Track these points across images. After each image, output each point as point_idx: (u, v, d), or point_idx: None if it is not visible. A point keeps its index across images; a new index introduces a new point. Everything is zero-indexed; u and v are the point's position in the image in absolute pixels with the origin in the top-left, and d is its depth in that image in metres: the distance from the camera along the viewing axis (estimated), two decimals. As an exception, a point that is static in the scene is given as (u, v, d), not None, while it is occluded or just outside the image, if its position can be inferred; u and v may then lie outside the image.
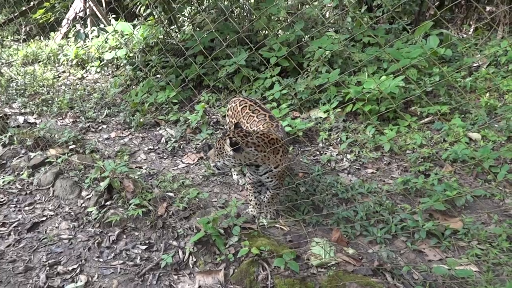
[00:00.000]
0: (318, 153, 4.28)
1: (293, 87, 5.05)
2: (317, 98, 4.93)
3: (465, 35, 7.74)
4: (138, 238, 3.30)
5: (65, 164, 4.11)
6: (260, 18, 6.03)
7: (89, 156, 4.29)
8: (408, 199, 3.58)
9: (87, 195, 3.75)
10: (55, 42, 8.21)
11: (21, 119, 5.31)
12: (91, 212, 3.54)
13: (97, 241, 3.26)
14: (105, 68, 7.14)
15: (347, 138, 4.31)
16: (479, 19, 8.24)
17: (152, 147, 4.63)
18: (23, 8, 9.08)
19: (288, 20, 6.23)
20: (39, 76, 6.87)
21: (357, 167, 4.06)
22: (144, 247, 3.19)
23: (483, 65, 5.90)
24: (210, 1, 6.97)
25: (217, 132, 4.65)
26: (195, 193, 3.53)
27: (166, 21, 7.05)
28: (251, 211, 3.38)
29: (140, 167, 4.19)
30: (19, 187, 3.95)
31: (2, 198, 3.82)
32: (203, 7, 7.21)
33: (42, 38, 8.97)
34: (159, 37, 6.61)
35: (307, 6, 7.05)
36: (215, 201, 3.62)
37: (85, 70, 7.38)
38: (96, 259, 3.10)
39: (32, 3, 8.54)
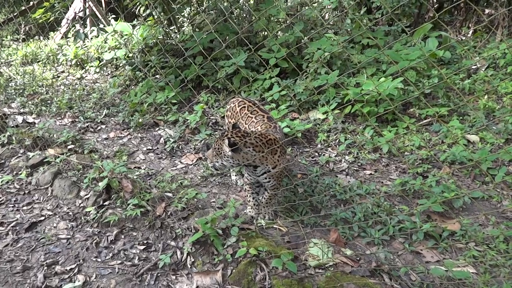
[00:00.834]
0: (316, 154, 4.28)
1: (292, 88, 5.06)
2: (316, 99, 4.94)
3: (464, 38, 7.77)
4: (136, 238, 3.30)
5: (64, 164, 4.11)
6: (260, 19, 6.04)
7: (88, 156, 4.29)
8: (406, 200, 3.59)
9: (86, 195, 3.75)
10: (54, 42, 8.21)
11: (19, 118, 5.30)
12: (89, 212, 3.53)
13: (95, 241, 3.26)
14: (105, 68, 7.15)
15: (345, 140, 4.31)
16: (478, 21, 8.27)
17: (150, 148, 4.63)
18: (23, 8, 9.08)
19: (288, 22, 6.25)
20: (38, 75, 6.87)
21: (355, 169, 4.07)
22: (142, 247, 3.19)
23: (482, 68, 5.93)
24: (210, 2, 6.99)
25: (216, 132, 4.66)
26: (193, 194, 3.53)
27: (165, 21, 7.06)
28: (249, 211, 3.38)
29: (139, 167, 4.19)
30: (18, 186, 3.95)
31: (0, 197, 3.81)
32: (203, 8, 7.22)
33: (41, 38, 8.97)
34: (159, 37, 6.62)
35: (306, 8, 7.07)
36: (214, 202, 3.62)
37: (84, 70, 7.38)
38: (94, 259, 3.10)
39: (31, 2, 8.55)
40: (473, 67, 5.97)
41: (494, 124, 4.65)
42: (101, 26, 8.08)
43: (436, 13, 8.20)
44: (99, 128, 5.21)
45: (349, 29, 6.50)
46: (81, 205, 3.66)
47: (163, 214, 3.41)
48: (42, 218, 3.55)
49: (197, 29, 6.81)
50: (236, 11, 6.84)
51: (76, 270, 2.97)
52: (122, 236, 3.32)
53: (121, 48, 6.86)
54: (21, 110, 5.66)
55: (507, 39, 6.86)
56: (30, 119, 5.36)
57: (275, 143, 3.00)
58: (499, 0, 7.28)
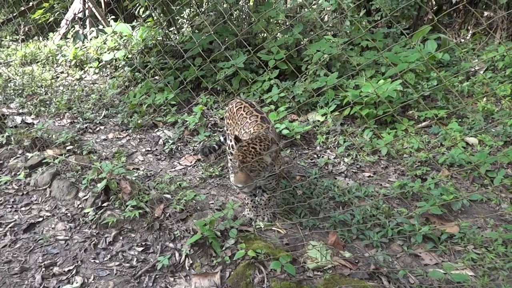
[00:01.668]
0: (315, 156, 4.28)
1: (291, 90, 5.06)
2: (315, 101, 4.95)
3: (462, 40, 7.78)
4: (134, 239, 3.29)
5: (62, 165, 4.10)
6: (259, 21, 6.04)
7: (87, 157, 4.29)
8: (405, 203, 3.59)
9: (84, 196, 3.75)
10: (53, 43, 8.20)
11: (18, 119, 5.30)
12: (87, 213, 3.53)
13: (93, 242, 3.25)
14: (104, 69, 7.14)
15: (344, 142, 4.32)
16: (476, 24, 8.28)
17: (149, 149, 4.63)
18: (22, 8, 9.07)
19: (287, 23, 6.25)
20: (37, 76, 6.86)
21: (354, 171, 4.07)
22: (140, 248, 3.18)
23: (481, 70, 5.93)
24: (210, 4, 6.99)
25: (215, 134, 4.65)
26: (192, 195, 3.53)
27: (165, 22, 7.06)
28: (248, 213, 3.38)
29: (138, 169, 4.19)
30: (16, 187, 3.94)
31: (-2, 198, 3.81)
32: (202, 9, 7.22)
33: (40, 38, 8.97)
34: (158, 38, 6.62)
35: (305, 10, 7.08)
36: (212, 203, 3.62)
37: (83, 71, 7.37)
38: (92, 261, 3.09)
39: (31, 3, 8.54)
40: (472, 69, 5.98)
41: (493, 126, 4.65)
42: (101, 27, 8.08)
43: (435, 15, 8.22)
44: (98, 129, 5.21)
45: (348, 31, 6.51)
46: (80, 206, 3.66)
47: (162, 215, 3.41)
48: (40, 219, 3.55)
49: (196, 31, 6.81)
50: (235, 12, 6.85)
51: (74, 272, 2.97)
52: (121, 238, 3.32)
53: (121, 49, 6.86)
54: (20, 111, 5.65)
55: (506, 41, 6.87)
56: (29, 119, 5.35)
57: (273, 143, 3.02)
58: (498, 2, 7.29)
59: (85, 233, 3.38)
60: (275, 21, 6.50)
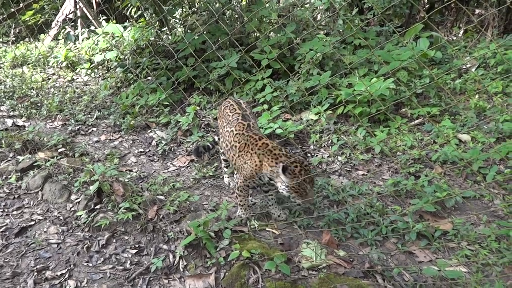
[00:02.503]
0: (309, 155, 4.28)
1: (284, 89, 5.05)
2: (308, 100, 4.94)
3: (455, 38, 7.82)
4: (128, 242, 3.27)
5: (54, 167, 4.06)
6: (251, 20, 6.03)
7: (79, 160, 4.25)
8: (399, 200, 3.59)
9: (76, 199, 3.71)
10: (43, 45, 8.13)
11: (9, 122, 5.24)
12: (80, 216, 3.49)
13: (86, 245, 3.22)
14: (96, 71, 7.09)
15: (338, 140, 4.31)
16: (468, 21, 8.33)
17: (142, 150, 4.60)
18: (12, 10, 8.98)
19: (279, 22, 6.24)
20: (28, 78, 6.79)
21: (348, 169, 4.07)
22: (134, 251, 3.16)
23: (472, 68, 5.96)
24: (202, 3, 6.96)
25: (208, 134, 4.63)
26: (185, 196, 3.51)
27: (157, 23, 7.02)
28: (242, 214, 3.36)
29: (130, 170, 4.16)
30: (7, 191, 3.89)
31: (-11, 202, 3.76)
32: (195, 9, 7.19)
33: (31, 40, 8.88)
34: (150, 39, 6.58)
35: (298, 9, 7.07)
36: (206, 204, 3.60)
37: (75, 72, 7.31)
38: (85, 264, 3.07)
39: (21, 4, 8.46)
40: (464, 67, 6.01)
41: (485, 123, 4.68)
42: (92, 28, 8.02)
43: (427, 13, 8.26)
44: (90, 131, 5.16)
45: (341, 30, 6.51)
46: (72, 209, 3.62)
47: (155, 217, 3.39)
48: (32, 222, 3.51)
49: (189, 31, 6.78)
50: (228, 12, 6.82)
51: (67, 275, 2.93)
52: (114, 240, 3.29)
53: (112, 50, 6.81)
54: (11, 113, 5.59)
55: (497, 39, 6.92)
56: (20, 122, 5.30)
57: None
58: (489, 0, 7.34)
59: (78, 236, 3.35)
60: (267, 20, 6.49)
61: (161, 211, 3.44)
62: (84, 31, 8.03)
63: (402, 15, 8.01)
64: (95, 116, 5.39)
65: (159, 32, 6.93)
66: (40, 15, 7.78)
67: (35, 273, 2.95)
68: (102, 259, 3.13)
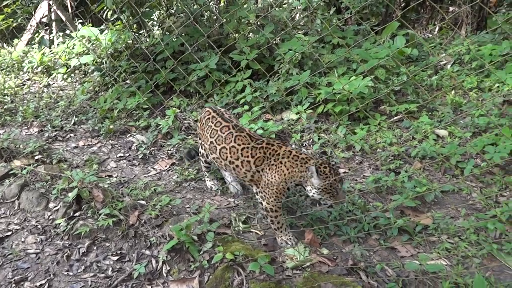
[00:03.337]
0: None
1: (264, 90, 5.05)
2: (289, 100, 4.95)
3: (430, 35, 7.98)
4: (109, 249, 3.21)
5: (31, 175, 3.95)
6: (230, 21, 6.01)
7: (56, 166, 4.15)
8: (380, 197, 3.63)
9: (55, 206, 3.62)
10: (15, 50, 7.91)
11: (-18, 130, 5.08)
12: (59, 224, 3.41)
13: (66, 254, 3.15)
14: (72, 75, 6.94)
15: (319, 139, 4.34)
16: (443, 19, 8.52)
17: (122, 155, 4.52)
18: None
19: (258, 23, 6.24)
20: (1, 84, 6.60)
21: (330, 167, 4.09)
22: (115, 258, 3.10)
23: (448, 64, 6.09)
24: (179, 5, 6.90)
25: (189, 137, 4.58)
26: (167, 200, 3.47)
27: (134, 25, 6.93)
28: (287, 239, 3.06)
29: (110, 176, 4.08)
30: (-19, 201, 3.77)
31: (-38, 213, 3.63)
32: (172, 11, 7.13)
33: (4, 45, 8.64)
34: (128, 42, 6.48)
35: (276, 9, 7.09)
36: (188, 207, 3.56)
37: (51, 77, 7.14)
38: (66, 273, 3.00)
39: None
40: (440, 63, 6.14)
41: (461, 118, 4.78)
42: (68, 31, 7.85)
43: (403, 11, 8.41)
44: (68, 136, 5.05)
45: (319, 29, 6.56)
46: (51, 217, 3.53)
47: (137, 222, 3.33)
48: (9, 233, 3.41)
49: (167, 33, 6.71)
50: (206, 13, 6.79)
51: (46, 286, 2.86)
52: (94, 248, 3.22)
53: (89, 54, 6.68)
54: (-16, 121, 5.42)
55: (471, 35, 7.09)
56: (-6, 130, 5.14)
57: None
58: (462, -2, 7.52)
59: (57, 245, 3.27)
60: (246, 21, 6.48)
61: (142, 216, 3.39)
62: (59, 35, 7.85)
63: (379, 13, 8.14)
64: (72, 122, 5.28)
65: (137, 34, 6.84)
66: (12, 19, 7.57)
67: (13, 285, 2.86)
68: (83, 267, 3.07)
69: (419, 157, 4.04)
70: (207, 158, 3.58)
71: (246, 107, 4.84)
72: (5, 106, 5.76)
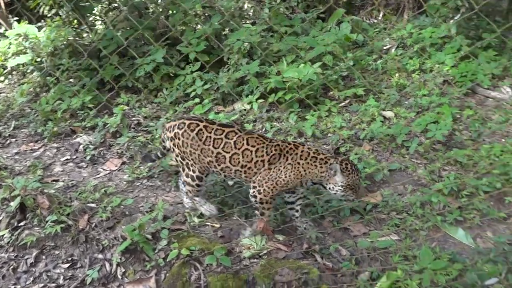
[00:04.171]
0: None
1: (215, 82, 5.00)
2: (240, 90, 4.93)
3: (375, 20, 8.22)
4: (59, 256, 3.07)
5: (-33, 186, 3.68)
6: (176, 13, 5.87)
7: (-4, 175, 3.89)
8: (332, 180, 3.71)
9: (-4, 217, 3.40)
10: None
11: None
12: (2, 236, 3.22)
13: (12, 266, 2.99)
14: (10, 76, 6.50)
15: (271, 128, 4.37)
16: (387, 4, 8.80)
17: (69, 158, 4.31)
18: None
19: (205, 14, 6.15)
20: None
21: (283, 155, 4.13)
22: (66, 265, 2.98)
23: (392, 48, 6.31)
24: (122, -2, 6.64)
25: (139, 134, 4.45)
26: (118, 201, 3.36)
27: (75, 20, 6.59)
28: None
29: (56, 180, 3.88)
30: None
31: None
32: (115, 4, 6.85)
33: None
34: (69, 38, 6.15)
35: (223, -1, 7.01)
36: (142, 206, 3.47)
37: (-14, 80, 6.65)
38: (13, 287, 2.83)
39: None
40: (385, 48, 6.35)
41: (406, 99, 4.99)
42: (2, 30, 7.34)
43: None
44: (8, 142, 4.74)
45: (267, 18, 6.56)
46: (-8, 229, 3.32)
47: (87, 226, 3.20)
48: None
49: (111, 27, 6.44)
50: (151, 6, 6.58)
51: (-10, 302, 2.69)
52: (43, 257, 3.08)
53: (27, 53, 6.28)
54: None
55: (413, 19, 7.37)
56: None
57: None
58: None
59: (2, 258, 3.09)
60: (193, 12, 6.36)
61: (93, 220, 3.26)
62: (-8, 34, 7.31)
63: (325, 1, 8.26)
64: (12, 126, 4.96)
65: (78, 30, 6.52)
66: None
67: (-48, 305, 2.67)
68: (31, 278, 2.93)
69: (368, 139, 4.17)
70: (203, 178, 3.14)
71: (197, 100, 4.76)
72: None
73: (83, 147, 4.38)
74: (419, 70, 5.57)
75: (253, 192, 2.97)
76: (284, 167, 2.87)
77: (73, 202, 3.44)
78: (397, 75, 5.54)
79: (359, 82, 5.09)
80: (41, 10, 6.65)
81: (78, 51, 5.84)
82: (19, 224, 3.29)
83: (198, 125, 3.02)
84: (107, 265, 2.93)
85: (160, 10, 6.49)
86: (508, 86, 5.24)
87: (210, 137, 2.98)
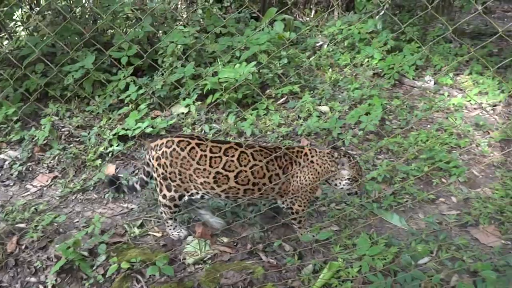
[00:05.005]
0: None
1: (150, 86, 4.86)
2: (177, 93, 4.84)
3: (308, 18, 8.46)
4: (-15, 285, 2.81)
5: None
6: (105, 16, 5.62)
7: None
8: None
9: None
10: None
11: None
12: None
13: None
14: None
15: (210, 129, 4.33)
16: (318, 3, 9.09)
17: (-8, 176, 3.97)
18: None
19: (136, 17, 5.94)
20: None
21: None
22: (-6, 294, 2.73)
23: (324, 44, 6.54)
24: (45, 2, 6.23)
25: (71, 146, 4.20)
26: (50, 218, 3.15)
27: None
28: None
29: (-21, 202, 3.56)
30: None
31: None
32: (37, 8, 6.41)
33: None
34: (-14, 47, 5.67)
35: (154, 0, 6.83)
36: (77, 222, 3.28)
37: None
38: None
39: None
40: (317, 44, 6.55)
41: (339, 93, 5.19)
42: None
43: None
44: None
45: (201, 19, 6.50)
46: None
47: (16, 249, 2.98)
48: None
49: (34, 33, 6.02)
50: (78, 10, 6.23)
51: None
52: (-34, 288, 2.80)
53: None
54: None
55: (342, 16, 7.68)
56: None
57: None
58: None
59: None
60: (123, 15, 6.13)
61: (23, 241, 3.03)
62: None
63: (259, 0, 8.36)
64: None
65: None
66: None
67: None
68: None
69: (305, 134, 4.28)
70: (179, 200, 2.88)
71: (132, 106, 4.59)
72: None
73: (8, 163, 4.04)
74: (351, 65, 5.82)
75: (288, 205, 2.89)
76: (301, 172, 2.81)
77: (-2, 225, 3.17)
78: (330, 70, 5.75)
79: (295, 79, 5.20)
80: (-50, 17, 6.06)
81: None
82: None
83: (189, 142, 2.74)
84: (41, 288, 2.74)
85: (88, 14, 6.19)
86: (431, 76, 5.65)
87: (206, 155, 2.70)
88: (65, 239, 2.96)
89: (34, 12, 6.36)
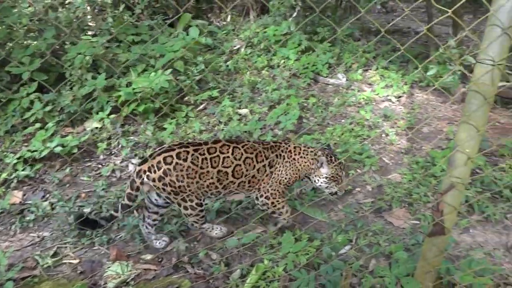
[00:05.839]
0: (100, 166, 3.97)
1: (58, 102, 4.52)
2: (89, 107, 4.56)
3: (224, 23, 8.50)
4: None
5: None
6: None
7: None
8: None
9: None
10: None
11: None
12: None
13: None
14: None
15: (128, 143, 4.14)
16: (234, 7, 9.18)
17: None
18: None
19: (37, 28, 5.50)
20: None
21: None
22: None
23: (241, 48, 6.61)
24: None
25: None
26: None
27: None
28: (288, 217, 3.12)
29: None
30: None
31: None
32: None
33: None
34: None
35: (59, 10, 6.39)
36: (-22, 260, 2.93)
37: None
38: None
39: None
40: (234, 48, 6.61)
41: (258, 95, 5.27)
42: None
43: (197, 2, 8.73)
44: None
45: (111, 28, 6.21)
46: None
47: None
48: None
49: None
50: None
51: None
52: None
53: None
54: None
55: (257, 19, 7.83)
56: None
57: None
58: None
59: None
60: (23, 27, 5.64)
61: None
62: None
63: (172, 6, 8.21)
64: None
65: None
66: None
67: None
68: None
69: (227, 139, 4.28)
70: (202, 203, 2.89)
71: (38, 125, 4.23)
72: None
73: None
74: (268, 67, 5.95)
75: (262, 200, 2.99)
76: (283, 166, 2.96)
77: None
78: (248, 73, 5.82)
79: (213, 84, 5.19)
80: None
81: None
82: None
83: (187, 151, 2.74)
84: None
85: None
86: (342, 73, 5.98)
87: (206, 158, 2.78)
88: (-37, 282, 2.63)
89: None
